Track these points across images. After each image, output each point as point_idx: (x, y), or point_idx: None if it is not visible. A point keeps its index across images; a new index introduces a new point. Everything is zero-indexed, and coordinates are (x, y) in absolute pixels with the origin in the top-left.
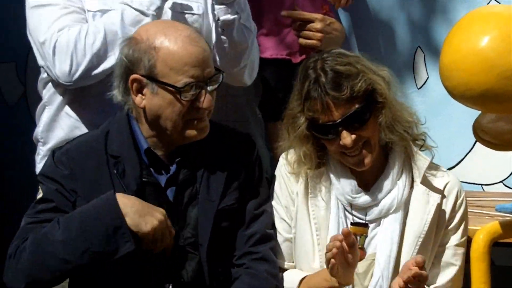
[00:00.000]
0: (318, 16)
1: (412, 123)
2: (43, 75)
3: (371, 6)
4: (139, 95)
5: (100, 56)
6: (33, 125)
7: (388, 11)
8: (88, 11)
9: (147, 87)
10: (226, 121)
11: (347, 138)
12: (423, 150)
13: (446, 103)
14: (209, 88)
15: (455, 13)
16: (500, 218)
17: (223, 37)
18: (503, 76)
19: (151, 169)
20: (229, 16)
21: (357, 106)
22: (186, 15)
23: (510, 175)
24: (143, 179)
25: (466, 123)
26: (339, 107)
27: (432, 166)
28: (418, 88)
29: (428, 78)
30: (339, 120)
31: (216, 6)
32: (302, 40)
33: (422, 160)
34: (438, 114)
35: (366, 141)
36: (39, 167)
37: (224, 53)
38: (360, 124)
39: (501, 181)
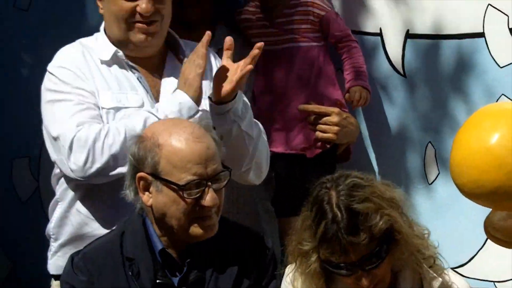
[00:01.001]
0: (335, 109)
1: (425, 252)
2: (56, 170)
3: (383, 101)
4: (146, 193)
5: (117, 158)
6: (46, 220)
7: (399, 106)
8: (102, 108)
9: (153, 185)
10: (237, 213)
11: (364, 281)
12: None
13: (457, 199)
14: (214, 186)
15: (465, 108)
16: None
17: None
18: None
19: (166, 270)
20: (224, 127)
21: (376, 248)
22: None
23: None
24: (158, 281)
25: (477, 219)
26: (357, 249)
27: (442, 279)
28: (429, 184)
29: (439, 173)
30: (357, 262)
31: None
32: (318, 133)
33: (434, 280)
34: (449, 210)
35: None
36: (50, 263)
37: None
38: (377, 263)
39: None
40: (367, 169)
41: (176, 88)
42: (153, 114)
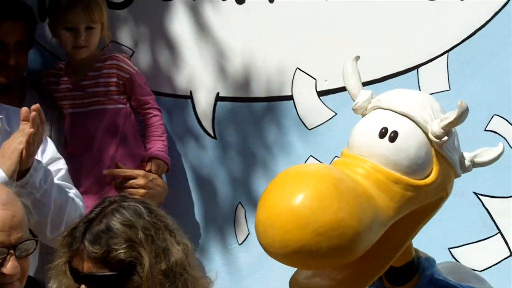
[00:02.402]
0: (140, 172)
1: None
2: None
3: (193, 163)
4: None
5: None
6: None
7: (209, 168)
8: None
9: None
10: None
11: None
12: None
13: (267, 259)
14: (17, 254)
15: (275, 169)
16: None
17: None
18: (317, 233)
19: None
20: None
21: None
22: None
23: None
24: None
25: (286, 278)
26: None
27: None
28: (240, 244)
29: (249, 233)
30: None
31: None
32: None
33: None
34: (259, 269)
35: None
36: None
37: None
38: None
39: None
40: None
41: None
42: None
